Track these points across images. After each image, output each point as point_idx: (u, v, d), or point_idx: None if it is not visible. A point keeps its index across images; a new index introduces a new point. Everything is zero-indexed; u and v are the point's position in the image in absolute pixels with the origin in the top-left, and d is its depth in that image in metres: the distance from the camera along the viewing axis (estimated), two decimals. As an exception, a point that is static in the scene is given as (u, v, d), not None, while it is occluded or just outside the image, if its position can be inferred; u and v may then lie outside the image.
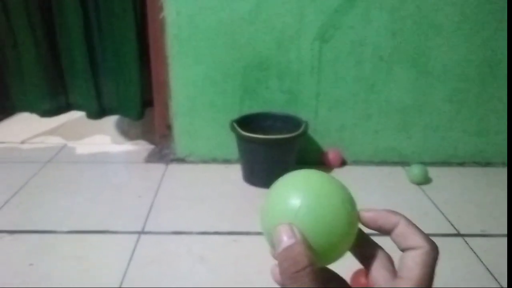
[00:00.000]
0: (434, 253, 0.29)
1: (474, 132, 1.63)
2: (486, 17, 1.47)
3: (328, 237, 0.29)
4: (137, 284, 1.01)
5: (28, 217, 1.28)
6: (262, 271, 1.06)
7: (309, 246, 0.28)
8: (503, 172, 1.63)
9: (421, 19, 1.48)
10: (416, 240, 0.29)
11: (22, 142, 1.86)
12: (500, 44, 1.51)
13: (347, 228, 0.30)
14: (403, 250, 0.30)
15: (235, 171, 1.58)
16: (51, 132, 1.98)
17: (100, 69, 1.68)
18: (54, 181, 1.51)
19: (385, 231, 0.31)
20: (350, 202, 0.31)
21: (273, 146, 1.44)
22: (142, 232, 1.21)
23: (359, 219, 0.31)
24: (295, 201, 0.30)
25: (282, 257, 0.28)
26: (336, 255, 0.31)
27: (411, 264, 0.28)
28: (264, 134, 1.42)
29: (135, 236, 1.19)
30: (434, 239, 0.30)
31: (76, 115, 2.01)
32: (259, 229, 1.17)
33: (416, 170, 1.51)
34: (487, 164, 1.67)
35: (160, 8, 1.47)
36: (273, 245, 0.30)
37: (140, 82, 1.63)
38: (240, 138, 1.46)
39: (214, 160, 1.68)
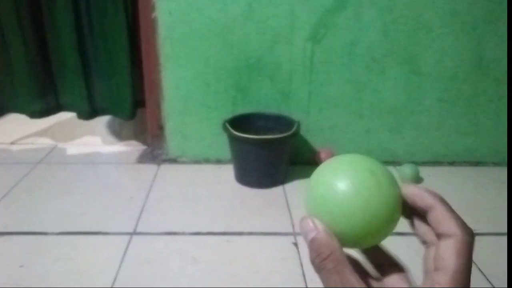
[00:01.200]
0: (470, 242, 0.27)
1: (465, 132, 1.65)
2: (476, 17, 1.49)
3: (371, 219, 0.29)
4: (129, 285, 1.00)
5: (19, 219, 1.27)
6: (255, 271, 1.06)
7: (334, 233, 0.29)
8: (494, 171, 1.64)
9: (413, 19, 1.49)
10: (450, 227, 0.28)
11: (12, 143, 1.84)
12: (491, 44, 1.52)
13: (391, 209, 0.29)
14: (437, 236, 0.29)
15: (228, 171, 1.57)
16: (42, 133, 1.96)
17: (91, 69, 1.67)
18: (45, 182, 1.50)
19: (420, 211, 0.30)
20: (393, 183, 0.30)
21: (265, 146, 1.44)
22: (134, 233, 1.21)
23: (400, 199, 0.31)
24: (337, 185, 0.30)
25: (309, 249, 0.29)
26: (380, 235, 0.30)
27: (446, 254, 0.27)
28: (256, 134, 1.42)
29: (127, 237, 1.19)
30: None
31: (67, 116, 1.99)
32: (252, 230, 1.18)
33: (407, 169, 1.52)
34: (478, 163, 1.69)
35: (152, 8, 1.47)
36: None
37: (131, 82, 1.62)
38: (233, 138, 1.46)
39: (207, 161, 1.67)
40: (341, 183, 0.29)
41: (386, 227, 0.29)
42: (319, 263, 0.28)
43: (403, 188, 0.31)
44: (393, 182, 0.30)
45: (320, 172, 0.32)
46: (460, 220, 0.28)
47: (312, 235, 0.29)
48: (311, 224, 0.30)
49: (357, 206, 0.29)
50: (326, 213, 0.30)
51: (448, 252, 0.27)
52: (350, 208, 0.29)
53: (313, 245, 0.29)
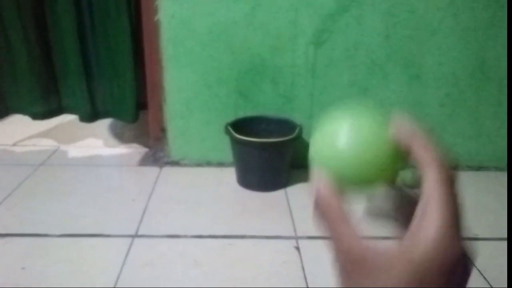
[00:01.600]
0: (450, 171, 0.28)
1: (467, 136, 1.65)
2: (478, 22, 1.49)
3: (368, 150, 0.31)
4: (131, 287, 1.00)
5: (21, 221, 1.27)
6: (256, 274, 1.06)
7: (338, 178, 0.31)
8: (496, 176, 1.64)
9: (414, 23, 1.49)
10: (427, 159, 0.28)
11: (15, 145, 1.85)
12: (492, 49, 1.53)
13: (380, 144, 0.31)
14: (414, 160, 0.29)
15: (230, 174, 1.57)
16: (44, 134, 1.97)
17: (93, 71, 1.67)
18: (46, 184, 1.50)
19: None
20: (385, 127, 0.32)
21: (267, 150, 1.44)
22: (135, 236, 1.21)
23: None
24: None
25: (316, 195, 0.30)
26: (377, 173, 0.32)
27: (430, 183, 0.27)
28: (258, 137, 1.42)
29: (128, 240, 1.19)
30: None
31: (69, 118, 1.99)
32: (254, 233, 1.17)
33: (408, 173, 1.52)
34: (480, 168, 1.69)
35: (155, 11, 1.47)
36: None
37: (134, 85, 1.63)
38: (235, 142, 1.46)
39: (209, 163, 1.67)
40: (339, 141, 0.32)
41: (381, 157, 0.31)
42: (317, 200, 0.30)
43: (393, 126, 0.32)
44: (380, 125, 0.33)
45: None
46: (437, 152, 0.29)
47: (320, 184, 0.31)
48: (321, 175, 0.31)
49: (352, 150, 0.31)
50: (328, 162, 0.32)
51: (432, 179, 0.27)
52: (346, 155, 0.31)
53: (320, 193, 0.30)
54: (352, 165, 0.31)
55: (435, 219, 0.26)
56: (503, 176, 1.63)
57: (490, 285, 1.03)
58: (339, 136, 0.32)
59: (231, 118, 1.56)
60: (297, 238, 1.21)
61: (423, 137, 0.30)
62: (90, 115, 1.73)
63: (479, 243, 1.21)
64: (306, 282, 1.03)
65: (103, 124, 2.04)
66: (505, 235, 1.25)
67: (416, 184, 0.31)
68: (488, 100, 1.60)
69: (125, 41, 1.57)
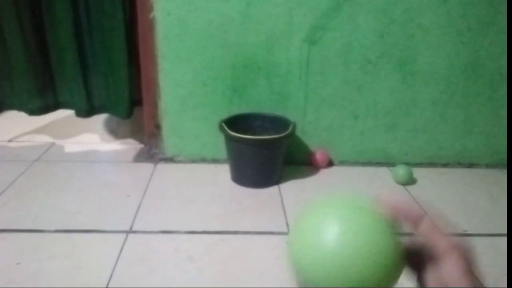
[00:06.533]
0: (467, 253, 0.27)
1: (459, 134, 1.67)
2: (471, 20, 1.50)
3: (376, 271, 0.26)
4: (125, 283, 1.02)
5: (16, 216, 1.28)
6: (249, 270, 1.07)
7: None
8: (486, 173, 1.66)
9: (408, 22, 1.50)
10: (445, 244, 0.27)
11: (10, 141, 1.85)
12: (484, 47, 1.54)
13: (392, 258, 0.27)
14: (430, 253, 0.28)
15: (224, 171, 1.59)
16: (39, 130, 1.97)
17: (89, 67, 1.68)
18: (42, 180, 1.51)
19: (410, 221, 0.29)
20: (389, 229, 0.28)
21: (261, 147, 1.46)
22: (130, 231, 1.22)
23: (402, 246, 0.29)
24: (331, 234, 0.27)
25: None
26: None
27: (454, 273, 0.27)
28: (252, 134, 1.44)
29: (123, 235, 1.20)
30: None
31: (64, 114, 2.00)
32: (247, 229, 1.18)
33: (401, 170, 1.54)
34: (471, 165, 1.71)
35: (150, 8, 1.48)
36: (304, 283, 0.27)
37: (129, 81, 1.63)
38: (229, 138, 1.47)
39: (203, 160, 1.69)
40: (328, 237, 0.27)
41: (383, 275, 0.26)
42: None
43: (387, 201, 0.29)
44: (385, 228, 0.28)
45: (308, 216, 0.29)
46: (451, 236, 0.28)
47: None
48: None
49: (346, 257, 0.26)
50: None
51: (456, 270, 0.26)
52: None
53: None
54: (347, 270, 0.25)
55: None
56: (494, 173, 1.66)
57: (479, 281, 1.05)
58: (326, 233, 0.26)
59: (226, 115, 1.57)
60: (289, 233, 1.23)
61: (431, 220, 0.28)
62: (86, 110, 1.74)
63: (470, 238, 1.22)
64: (298, 278, 1.05)
65: (99, 120, 2.05)
66: (495, 231, 1.28)
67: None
68: (479, 98, 1.61)
69: (120, 37, 1.58)
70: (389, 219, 0.28)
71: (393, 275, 0.27)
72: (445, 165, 1.71)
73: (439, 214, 0.29)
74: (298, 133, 1.62)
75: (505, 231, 1.28)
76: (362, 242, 0.26)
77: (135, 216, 1.30)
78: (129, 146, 1.82)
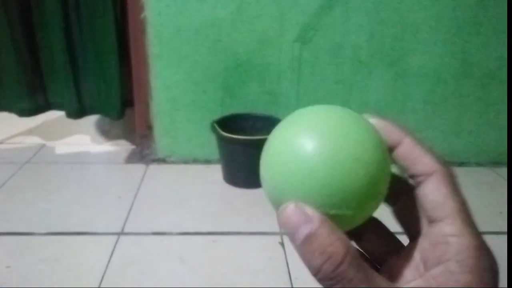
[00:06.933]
0: (453, 175, 0.23)
1: (449, 132, 1.68)
2: (461, 20, 1.51)
3: (359, 182, 0.21)
4: (116, 285, 1.01)
5: (6, 219, 1.26)
6: (241, 271, 1.07)
7: (333, 219, 0.21)
8: (477, 171, 1.67)
9: (399, 22, 1.51)
10: (427, 162, 0.23)
11: (0, 143, 1.83)
12: (475, 46, 1.55)
13: (381, 165, 0.23)
14: (411, 176, 0.24)
15: (216, 172, 1.58)
16: (30, 132, 1.96)
17: (80, 68, 1.67)
18: (32, 182, 1.49)
19: (391, 141, 0.25)
20: (374, 133, 0.24)
21: (253, 147, 1.45)
22: (121, 233, 1.21)
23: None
24: (307, 146, 0.22)
25: (307, 253, 0.20)
26: (373, 204, 0.23)
27: (439, 197, 0.22)
28: (244, 134, 1.44)
29: (114, 237, 1.19)
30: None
31: (55, 115, 1.98)
32: (239, 230, 1.18)
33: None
34: (462, 163, 1.72)
35: (141, 8, 1.47)
36: (277, 204, 0.23)
37: (120, 82, 1.63)
38: (221, 139, 1.47)
39: (195, 161, 1.68)
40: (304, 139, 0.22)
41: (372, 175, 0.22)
42: (333, 272, 0.19)
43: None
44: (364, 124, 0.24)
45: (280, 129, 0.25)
46: (435, 154, 0.24)
47: (306, 231, 0.20)
48: (299, 214, 0.21)
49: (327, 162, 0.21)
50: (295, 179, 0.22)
51: (440, 193, 0.22)
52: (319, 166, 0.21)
53: (314, 246, 0.20)
54: (337, 180, 0.21)
55: (467, 234, 0.23)
56: (484, 172, 1.67)
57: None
58: (305, 140, 0.22)
59: (218, 115, 1.56)
60: (281, 234, 1.23)
61: (414, 136, 0.25)
62: (77, 111, 1.72)
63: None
64: (290, 278, 1.05)
65: (90, 121, 2.03)
66: (487, 229, 1.28)
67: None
68: (470, 97, 1.62)
69: (111, 38, 1.57)
70: (372, 128, 0.24)
71: (380, 183, 0.23)
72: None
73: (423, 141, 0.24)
74: (290, 133, 1.62)
75: (497, 229, 1.29)
76: (342, 145, 0.22)
77: (126, 218, 1.29)
78: (121, 147, 1.81)
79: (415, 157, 0.24)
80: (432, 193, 0.23)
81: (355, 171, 0.21)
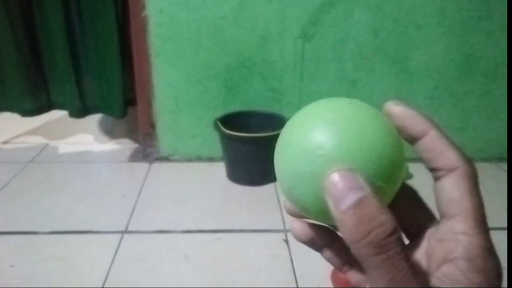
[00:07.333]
0: (475, 174, 0.23)
1: (454, 128, 1.66)
2: (465, 15, 1.50)
3: (385, 167, 0.22)
4: (120, 284, 1.01)
5: (10, 218, 1.27)
6: (245, 268, 1.07)
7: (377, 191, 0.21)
8: (482, 167, 1.66)
9: (402, 17, 1.50)
10: (451, 157, 0.23)
11: (4, 142, 1.83)
12: (479, 42, 1.54)
13: (397, 147, 0.23)
14: (432, 169, 0.24)
15: (219, 169, 1.58)
16: (33, 131, 1.96)
17: (82, 67, 1.67)
18: (36, 181, 1.50)
19: (409, 137, 0.24)
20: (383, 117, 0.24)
21: (256, 144, 1.45)
22: (125, 232, 1.21)
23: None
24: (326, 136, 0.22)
25: (354, 218, 0.20)
26: (396, 184, 0.24)
27: (456, 193, 0.22)
28: (247, 132, 1.43)
29: (118, 236, 1.19)
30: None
31: (58, 114, 1.99)
32: (243, 227, 1.18)
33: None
34: (467, 159, 1.71)
35: (143, 6, 1.47)
36: (297, 201, 0.23)
37: (122, 80, 1.62)
38: (224, 137, 1.46)
39: (198, 159, 1.68)
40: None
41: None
42: (384, 240, 0.19)
43: (392, 107, 0.25)
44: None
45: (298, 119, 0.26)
46: (462, 150, 0.23)
47: (356, 196, 0.20)
48: (349, 180, 0.20)
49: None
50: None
51: (459, 189, 0.22)
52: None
53: (362, 212, 0.19)
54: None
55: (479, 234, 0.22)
56: (489, 167, 1.66)
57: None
58: (321, 134, 0.22)
59: (221, 113, 1.56)
60: (285, 231, 1.22)
61: (441, 129, 0.24)
62: (80, 111, 1.73)
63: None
64: (295, 275, 1.05)
65: (93, 120, 2.03)
66: (491, 225, 1.27)
67: (405, 176, 0.25)
68: (474, 93, 1.61)
69: (113, 36, 1.57)
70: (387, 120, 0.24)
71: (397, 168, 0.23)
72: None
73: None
74: (294, 130, 1.61)
75: (501, 224, 1.28)
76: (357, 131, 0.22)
77: (130, 216, 1.29)
78: (124, 146, 1.80)
79: (439, 150, 0.23)
80: (449, 189, 0.23)
81: (395, 145, 0.22)
